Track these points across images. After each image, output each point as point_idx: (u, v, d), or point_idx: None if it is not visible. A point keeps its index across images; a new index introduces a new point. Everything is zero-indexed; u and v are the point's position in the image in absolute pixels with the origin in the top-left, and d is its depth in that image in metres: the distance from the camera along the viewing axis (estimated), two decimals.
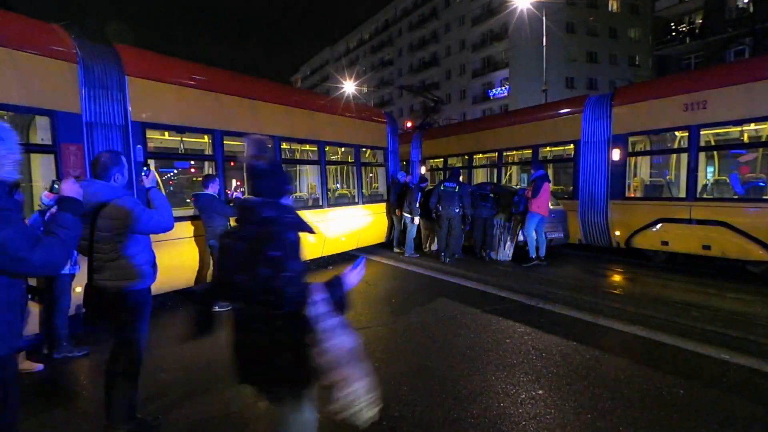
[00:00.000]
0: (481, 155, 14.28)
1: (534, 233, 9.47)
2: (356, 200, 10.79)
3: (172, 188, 13.73)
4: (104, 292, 3.20)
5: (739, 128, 8.56)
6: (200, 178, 7.37)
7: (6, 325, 1.97)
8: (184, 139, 8.22)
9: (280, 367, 2.13)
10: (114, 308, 3.26)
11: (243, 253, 2.10)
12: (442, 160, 15.52)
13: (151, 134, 7.07)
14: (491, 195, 10.38)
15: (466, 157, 14.44)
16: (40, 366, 4.58)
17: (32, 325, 4.94)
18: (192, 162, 11.57)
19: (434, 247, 11.18)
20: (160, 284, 3.65)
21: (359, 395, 1.98)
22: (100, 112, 5.92)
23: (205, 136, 7.69)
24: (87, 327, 5.33)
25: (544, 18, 26.73)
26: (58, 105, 5.51)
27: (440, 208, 9.99)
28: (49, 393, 4.12)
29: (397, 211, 11.10)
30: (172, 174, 13.65)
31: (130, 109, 6.21)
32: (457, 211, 9.82)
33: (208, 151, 7.58)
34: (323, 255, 9.90)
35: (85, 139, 5.75)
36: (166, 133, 7.65)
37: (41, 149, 5.61)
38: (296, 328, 2.06)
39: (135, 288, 3.26)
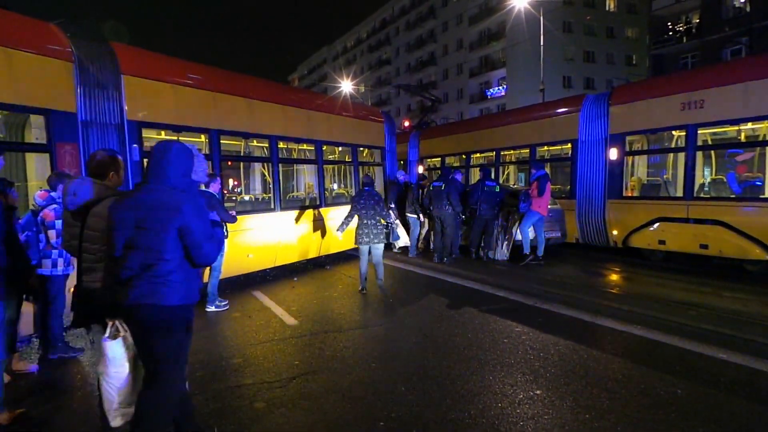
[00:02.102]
0: (478, 155, 14.28)
1: (530, 232, 9.46)
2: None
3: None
4: (94, 294, 3.16)
5: (736, 127, 8.56)
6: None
7: None
8: (180, 138, 8.18)
9: None
10: (104, 310, 3.22)
11: None
12: (439, 159, 15.51)
13: (147, 133, 7.04)
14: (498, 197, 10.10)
15: (464, 156, 14.43)
16: (34, 367, 4.56)
17: (27, 326, 4.92)
18: None
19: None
20: None
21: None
22: (95, 111, 5.89)
23: (202, 136, 7.66)
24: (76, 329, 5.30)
25: (541, 17, 26.75)
26: (53, 104, 5.47)
27: (431, 208, 9.96)
28: (43, 393, 4.08)
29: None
30: None
31: (125, 108, 6.19)
32: (448, 209, 9.72)
33: (205, 151, 7.55)
34: (320, 255, 9.88)
35: (80, 139, 5.72)
36: (163, 133, 7.62)
37: (36, 148, 5.58)
38: None
39: None
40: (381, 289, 7.55)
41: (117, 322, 2.84)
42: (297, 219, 8.96)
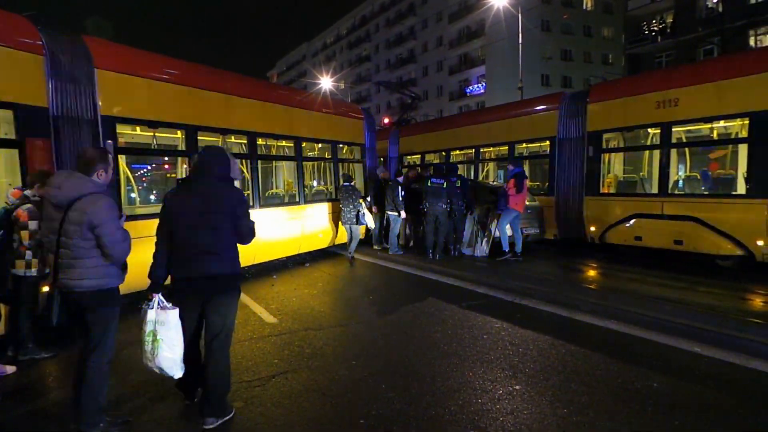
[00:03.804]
0: (458, 151, 14.33)
1: (509, 229, 9.52)
2: (334, 197, 10.71)
3: (145, 185, 13.44)
4: (71, 293, 3.10)
5: (709, 125, 8.75)
6: (174, 175, 7.22)
7: None
8: (156, 134, 8.04)
9: None
10: (81, 309, 3.15)
11: None
12: (419, 156, 15.53)
13: (122, 129, 6.89)
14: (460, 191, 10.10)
15: (444, 153, 14.46)
16: (9, 369, 4.40)
17: None
18: (165, 158, 11.31)
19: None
20: (129, 285, 3.53)
21: None
22: (68, 106, 5.72)
23: (179, 132, 7.53)
24: (53, 328, 5.16)
25: (520, 16, 26.97)
26: (22, 98, 5.30)
27: (427, 205, 9.83)
28: (14, 395, 3.96)
29: (373, 208, 10.95)
30: (144, 170, 13.34)
31: (99, 103, 6.03)
32: (445, 207, 9.69)
33: (182, 147, 7.42)
34: (301, 252, 9.81)
35: (52, 134, 5.56)
36: (138, 128, 7.47)
37: (4, 144, 5.41)
38: None
39: (103, 288, 3.16)
40: (350, 261, 9.86)
41: (159, 296, 3.31)
42: (276, 216, 8.87)
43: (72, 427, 3.22)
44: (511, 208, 9.28)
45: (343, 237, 10.73)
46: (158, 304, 3.28)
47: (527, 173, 13.71)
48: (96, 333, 3.19)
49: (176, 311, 3.30)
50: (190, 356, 3.43)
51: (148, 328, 3.24)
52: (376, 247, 11.27)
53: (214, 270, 3.31)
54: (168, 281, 3.48)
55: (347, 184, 9.75)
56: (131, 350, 4.71)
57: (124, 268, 3.31)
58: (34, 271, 4.54)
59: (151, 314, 3.26)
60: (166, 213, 3.42)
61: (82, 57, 5.94)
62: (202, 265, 3.30)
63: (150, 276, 3.43)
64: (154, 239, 3.48)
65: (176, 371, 3.31)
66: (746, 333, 5.08)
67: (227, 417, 3.42)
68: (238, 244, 3.52)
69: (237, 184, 3.78)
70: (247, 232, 3.52)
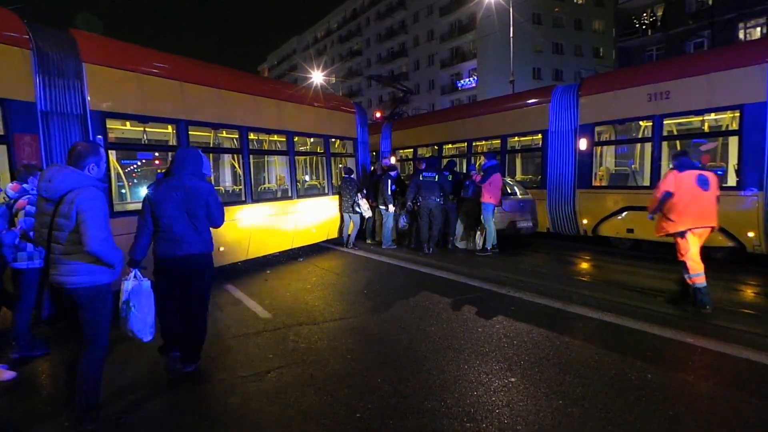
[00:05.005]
0: (450, 145, 14.33)
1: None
2: (326, 191, 10.68)
3: (135, 180, 13.33)
4: (62, 288, 3.06)
5: (700, 118, 8.80)
6: (164, 170, 7.15)
7: None
8: (147, 129, 7.96)
9: None
10: (73, 305, 3.12)
11: None
12: (411, 150, 15.51)
13: (111, 124, 6.81)
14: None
15: (436, 147, 14.46)
16: (9, 374, 4.27)
17: None
18: (156, 153, 11.22)
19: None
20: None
21: None
22: (56, 101, 5.66)
23: (169, 127, 7.46)
24: (46, 324, 5.10)
25: (511, 9, 26.91)
26: (9, 93, 5.24)
27: (419, 199, 9.78)
28: (7, 394, 3.92)
29: (369, 201, 10.91)
30: (135, 166, 13.21)
31: (88, 97, 5.96)
32: (438, 200, 9.67)
33: (173, 142, 7.35)
34: (293, 247, 9.79)
35: (40, 129, 5.49)
36: (128, 123, 7.38)
37: None
38: None
39: (95, 284, 3.13)
40: (347, 246, 10.72)
41: (137, 270, 3.70)
42: (269, 211, 8.83)
43: (66, 425, 3.19)
44: (485, 202, 9.25)
45: (333, 233, 10.90)
46: (135, 277, 3.66)
47: (519, 166, 13.85)
48: (89, 329, 3.17)
49: (149, 283, 3.71)
50: (172, 323, 4.13)
51: (124, 297, 3.59)
52: (369, 241, 11.27)
53: (192, 250, 4.01)
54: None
55: (347, 176, 10.55)
56: (125, 347, 4.68)
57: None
58: (36, 263, 4.45)
59: (127, 285, 3.62)
60: (149, 204, 3.99)
61: (70, 51, 5.86)
62: (182, 246, 3.97)
63: (130, 254, 3.87)
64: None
65: (146, 335, 3.64)
66: (738, 323, 5.15)
67: (200, 362, 4.25)
68: (212, 228, 4.25)
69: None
70: (217, 217, 4.19)
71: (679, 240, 5.72)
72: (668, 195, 5.61)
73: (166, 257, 3.99)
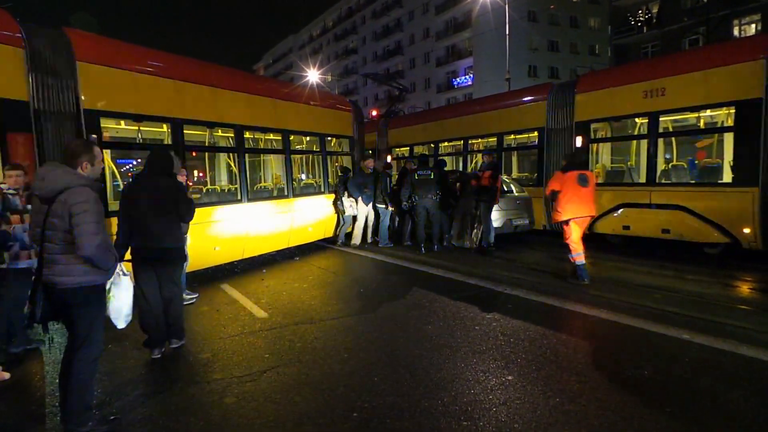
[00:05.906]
0: (446, 143, 14.32)
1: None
2: (323, 190, 10.66)
3: (130, 179, 13.25)
4: (55, 288, 3.04)
5: (696, 114, 8.81)
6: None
7: None
8: (142, 128, 7.92)
9: None
10: (66, 305, 3.10)
11: None
12: (408, 148, 15.49)
13: (106, 123, 6.77)
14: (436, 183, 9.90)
15: (432, 145, 14.45)
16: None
17: None
18: None
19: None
20: None
21: None
22: (49, 100, 5.63)
23: (164, 125, 7.42)
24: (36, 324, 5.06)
25: (506, 7, 26.89)
26: (2, 92, 5.21)
27: (416, 198, 9.67)
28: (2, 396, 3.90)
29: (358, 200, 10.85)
30: (130, 165, 13.15)
31: (82, 96, 5.92)
32: (435, 199, 9.56)
33: (168, 141, 7.31)
34: (290, 246, 9.76)
35: (33, 128, 5.46)
36: (123, 122, 7.34)
37: None
38: None
39: (88, 284, 3.11)
40: (338, 242, 10.93)
41: (120, 264, 3.81)
42: (265, 210, 8.80)
43: (60, 426, 3.17)
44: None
45: (330, 231, 10.94)
46: (117, 271, 3.81)
47: (515, 164, 13.86)
48: (81, 330, 3.14)
49: (129, 277, 3.93)
50: (153, 313, 4.53)
51: (106, 286, 3.66)
52: (369, 240, 11.23)
53: (164, 244, 4.47)
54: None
55: (342, 175, 10.78)
56: (118, 347, 4.66)
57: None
58: (20, 262, 4.42)
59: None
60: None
61: (63, 49, 5.83)
62: (156, 240, 4.41)
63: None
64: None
65: (120, 323, 3.84)
66: (734, 319, 5.16)
67: (183, 341, 4.80)
68: (182, 223, 4.78)
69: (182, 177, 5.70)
70: (186, 212, 4.64)
71: (564, 227, 6.95)
72: (555, 193, 6.89)
73: (140, 249, 4.45)
